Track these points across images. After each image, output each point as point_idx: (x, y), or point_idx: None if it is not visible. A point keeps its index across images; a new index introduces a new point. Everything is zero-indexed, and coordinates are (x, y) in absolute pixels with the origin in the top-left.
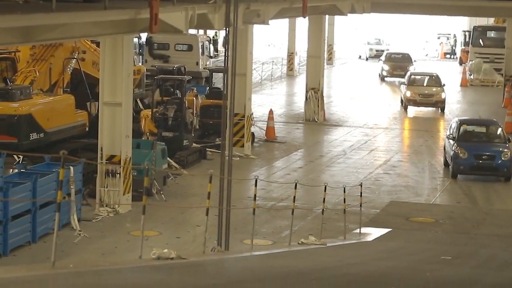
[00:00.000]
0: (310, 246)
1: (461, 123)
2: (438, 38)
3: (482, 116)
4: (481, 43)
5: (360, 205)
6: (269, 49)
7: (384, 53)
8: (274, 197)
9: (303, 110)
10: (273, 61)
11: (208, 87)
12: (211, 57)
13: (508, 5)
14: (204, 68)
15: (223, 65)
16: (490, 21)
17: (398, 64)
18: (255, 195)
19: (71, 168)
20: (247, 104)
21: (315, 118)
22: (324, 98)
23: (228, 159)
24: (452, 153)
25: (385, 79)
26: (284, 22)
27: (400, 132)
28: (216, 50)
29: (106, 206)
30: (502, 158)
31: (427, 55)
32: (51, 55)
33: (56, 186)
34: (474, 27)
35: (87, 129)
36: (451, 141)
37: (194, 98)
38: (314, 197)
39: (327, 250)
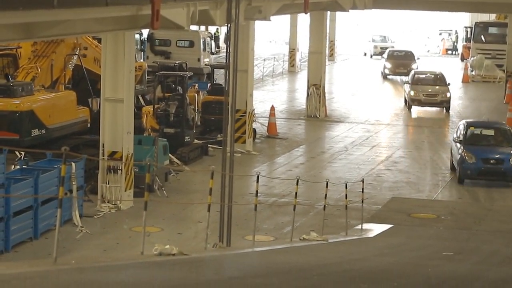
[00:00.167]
0: (311, 242)
1: (468, 125)
2: (440, 34)
3: (490, 117)
4: (483, 39)
5: (362, 201)
6: (270, 45)
7: (387, 51)
8: (276, 193)
9: (304, 106)
10: (274, 57)
11: (209, 83)
12: (212, 54)
13: (510, 1)
14: (205, 65)
15: (224, 61)
16: (492, 17)
17: (401, 62)
18: (256, 191)
19: (73, 164)
20: (249, 100)
21: (317, 114)
22: (326, 94)
23: (230, 155)
24: (458, 157)
25: (388, 77)
26: (285, 18)
27: (402, 128)
28: (217, 46)
29: (108, 202)
30: (511, 163)
31: (428, 51)
32: (53, 52)
33: (58, 182)
34: (476, 23)
35: (88, 125)
36: (458, 145)
37: (196, 95)
38: (315, 193)
39: (329, 246)
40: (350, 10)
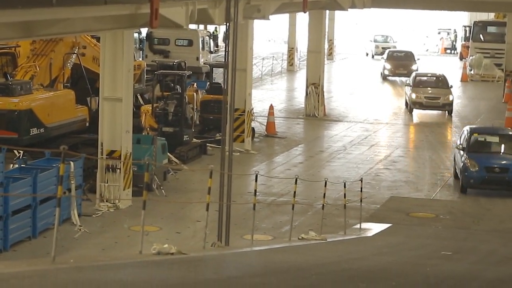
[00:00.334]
0: (310, 241)
1: (471, 132)
2: (439, 33)
3: (494, 123)
4: (482, 38)
5: (361, 200)
6: (269, 44)
7: (386, 51)
8: (275, 192)
9: (303, 105)
10: (273, 56)
11: (208, 82)
12: (211, 52)
13: (509, 0)
14: (204, 63)
15: (223, 60)
16: (491, 16)
17: (401, 62)
18: (255, 190)
19: (72, 163)
20: (248, 99)
21: (316, 113)
22: (325, 93)
23: (229, 154)
24: (461, 165)
25: (387, 78)
26: (284, 17)
27: (400, 128)
28: (216, 45)
29: (107, 201)
30: None
31: (427, 50)
32: (52, 50)
33: (57, 181)
34: (475, 22)
35: (87, 124)
36: (461, 152)
37: (195, 93)
38: (314, 192)
39: (327, 245)
40: (349, 9)
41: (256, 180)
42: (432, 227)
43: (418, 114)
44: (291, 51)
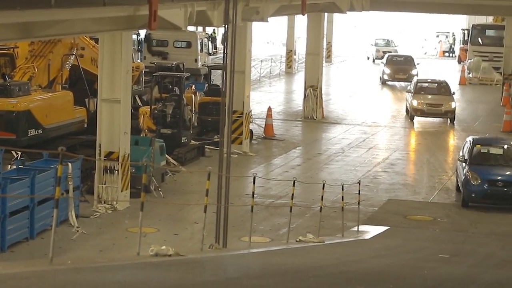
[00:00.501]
0: (308, 243)
1: (474, 143)
2: (437, 36)
3: (498, 134)
4: (480, 41)
5: (358, 203)
6: (268, 47)
7: (385, 56)
8: (272, 194)
9: (301, 108)
10: (271, 59)
11: (206, 84)
12: (209, 54)
13: (507, 4)
14: (202, 65)
15: (221, 62)
16: (489, 19)
17: (400, 67)
18: (253, 193)
19: (70, 164)
20: (246, 101)
21: (314, 115)
22: (323, 96)
23: (227, 156)
24: (463, 178)
25: (387, 83)
26: (283, 20)
27: (398, 130)
28: (214, 47)
29: (104, 202)
30: None
31: (425, 53)
32: (50, 51)
33: (54, 182)
34: (473, 25)
35: (85, 125)
36: (463, 164)
37: (193, 95)
38: (312, 195)
39: (325, 248)
40: (347, 12)
41: (254, 182)
42: (430, 230)
43: (416, 118)
44: (290, 53)
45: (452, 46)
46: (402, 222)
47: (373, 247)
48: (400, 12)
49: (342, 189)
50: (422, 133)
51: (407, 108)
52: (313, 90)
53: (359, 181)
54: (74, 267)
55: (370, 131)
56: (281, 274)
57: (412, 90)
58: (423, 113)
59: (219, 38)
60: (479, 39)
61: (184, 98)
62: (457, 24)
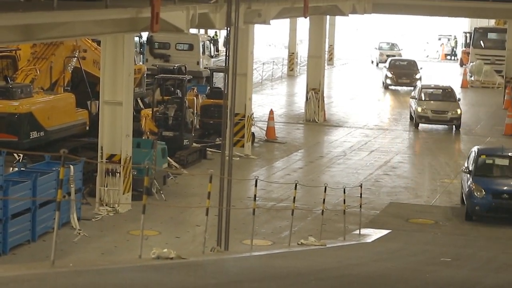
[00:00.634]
0: (309, 246)
1: (479, 153)
2: (439, 39)
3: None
4: (482, 44)
5: (360, 206)
6: (270, 49)
7: (388, 60)
8: (274, 197)
9: (303, 111)
10: (273, 61)
11: (208, 87)
12: (211, 57)
13: (509, 7)
14: (204, 68)
15: (223, 65)
16: (491, 22)
17: (403, 71)
18: (255, 195)
19: (71, 167)
20: (248, 104)
21: (316, 118)
22: (325, 99)
23: (228, 159)
24: (467, 190)
25: (389, 87)
26: (285, 22)
27: (400, 133)
28: (216, 49)
29: (106, 205)
30: None
31: (428, 56)
32: (52, 54)
33: (56, 185)
34: (475, 28)
35: (87, 128)
36: (468, 176)
37: (195, 98)
38: (314, 198)
39: (327, 251)
40: (349, 15)
41: (255, 185)
42: (432, 233)
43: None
44: (292, 56)
45: (454, 49)
46: (403, 226)
47: (375, 250)
48: (402, 15)
49: (344, 192)
50: (424, 136)
51: (411, 115)
52: (315, 93)
53: (361, 184)
54: (75, 269)
55: (372, 134)
56: (283, 277)
57: (416, 96)
58: (427, 120)
59: (221, 41)
60: (481, 42)
61: (186, 101)
62: (459, 27)
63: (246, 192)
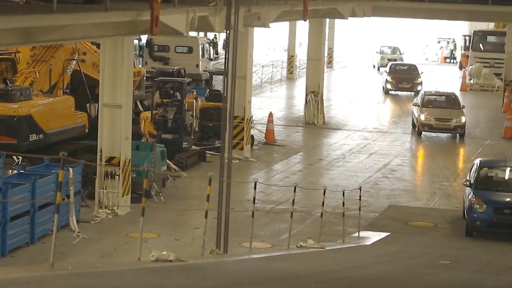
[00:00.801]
0: (308, 249)
1: (481, 166)
2: (438, 42)
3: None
4: (481, 47)
5: (359, 209)
6: (269, 52)
7: (388, 64)
8: (273, 200)
9: (302, 113)
10: (273, 64)
11: (208, 90)
12: (211, 60)
13: (508, 10)
14: (204, 71)
15: (223, 68)
16: (490, 25)
17: (404, 76)
18: (254, 198)
19: (71, 169)
20: (247, 106)
21: (315, 121)
22: (324, 102)
23: (228, 161)
24: (467, 204)
25: (389, 92)
26: (284, 25)
27: (399, 136)
28: (216, 52)
29: (105, 207)
30: None
31: (427, 59)
32: (51, 56)
33: (55, 187)
34: (474, 31)
35: (86, 130)
36: (469, 189)
37: (194, 101)
38: (313, 201)
39: (326, 254)
40: (349, 18)
41: (255, 188)
42: (431, 236)
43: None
44: (291, 59)
45: (453, 52)
46: (402, 228)
47: (374, 253)
48: (401, 18)
49: (343, 195)
50: (423, 139)
51: (413, 122)
52: (314, 95)
53: (360, 187)
54: (74, 272)
55: (371, 137)
56: (282, 280)
57: (419, 103)
58: (431, 128)
59: (220, 44)
60: (481, 45)
61: (185, 104)
62: (459, 30)
63: (245, 195)
